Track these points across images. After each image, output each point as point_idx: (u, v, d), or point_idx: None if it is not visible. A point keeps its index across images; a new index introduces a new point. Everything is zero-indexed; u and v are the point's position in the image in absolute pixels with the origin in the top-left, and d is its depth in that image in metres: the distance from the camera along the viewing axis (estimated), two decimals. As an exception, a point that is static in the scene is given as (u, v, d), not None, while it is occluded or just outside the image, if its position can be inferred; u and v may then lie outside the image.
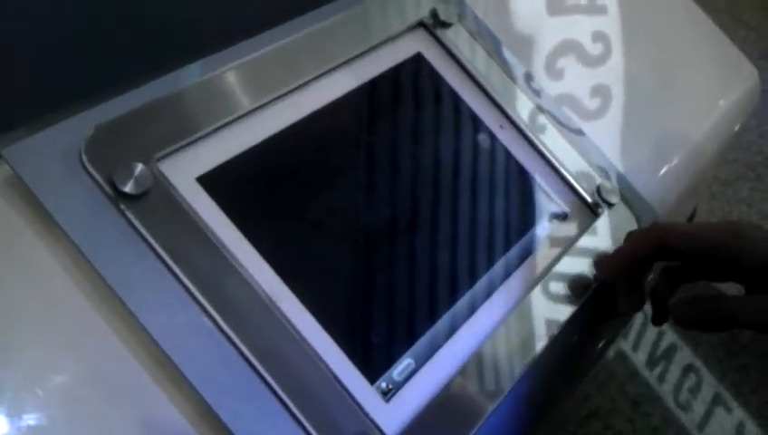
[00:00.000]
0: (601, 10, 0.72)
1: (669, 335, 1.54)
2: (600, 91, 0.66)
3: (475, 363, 0.47)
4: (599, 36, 0.70)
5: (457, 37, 0.57)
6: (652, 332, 1.55)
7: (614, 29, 0.72)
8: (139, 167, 0.41)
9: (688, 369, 1.49)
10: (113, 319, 0.39)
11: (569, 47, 0.67)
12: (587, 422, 1.33)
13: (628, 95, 0.68)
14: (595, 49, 0.69)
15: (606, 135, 0.64)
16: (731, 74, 0.81)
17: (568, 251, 0.54)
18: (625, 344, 1.52)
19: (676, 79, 0.74)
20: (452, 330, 0.47)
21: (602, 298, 0.54)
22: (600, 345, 0.60)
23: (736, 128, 0.79)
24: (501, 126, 0.57)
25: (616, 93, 0.68)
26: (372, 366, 0.43)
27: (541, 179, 0.56)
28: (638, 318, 1.57)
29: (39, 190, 0.39)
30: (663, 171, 0.67)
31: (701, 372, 1.48)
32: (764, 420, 1.42)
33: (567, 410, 1.27)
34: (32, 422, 0.36)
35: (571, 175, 0.57)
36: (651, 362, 1.50)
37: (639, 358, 1.50)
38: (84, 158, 0.40)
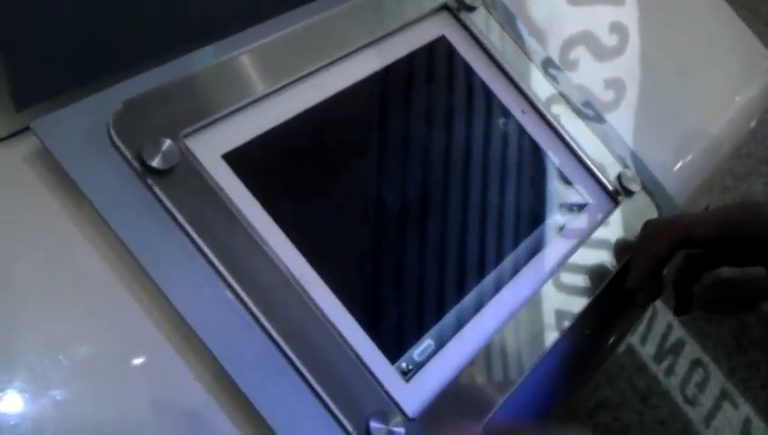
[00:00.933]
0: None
1: (677, 330, 1.54)
2: (618, 82, 0.66)
3: (495, 346, 0.47)
4: (618, 27, 0.70)
5: (481, 21, 0.57)
6: (660, 325, 1.55)
7: (633, 19, 0.72)
8: (167, 142, 0.41)
9: (696, 363, 1.49)
10: (139, 292, 0.39)
11: (589, 37, 0.67)
12: (595, 413, 1.33)
13: (646, 86, 0.68)
14: (613, 39, 0.69)
15: (623, 126, 0.64)
16: (750, 67, 0.80)
17: (587, 239, 0.54)
18: (633, 338, 1.52)
19: (695, 71, 0.74)
20: (472, 313, 0.47)
21: (619, 288, 0.54)
22: (615, 334, 0.60)
23: (753, 123, 0.79)
24: (523, 111, 0.57)
25: (634, 84, 0.68)
26: (393, 346, 0.44)
27: (562, 165, 0.56)
28: (647, 311, 1.57)
29: (67, 164, 0.40)
30: (679, 165, 0.67)
31: (709, 368, 1.48)
32: (773, 416, 1.42)
33: (577, 398, 1.28)
34: (55, 392, 0.36)
35: (591, 162, 0.57)
36: (659, 356, 1.50)
37: (647, 351, 1.50)
38: (112, 132, 0.41)
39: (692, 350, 1.51)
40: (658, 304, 1.58)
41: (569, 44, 0.64)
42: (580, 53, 0.65)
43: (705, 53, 0.76)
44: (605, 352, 0.58)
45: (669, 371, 1.48)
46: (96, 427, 0.36)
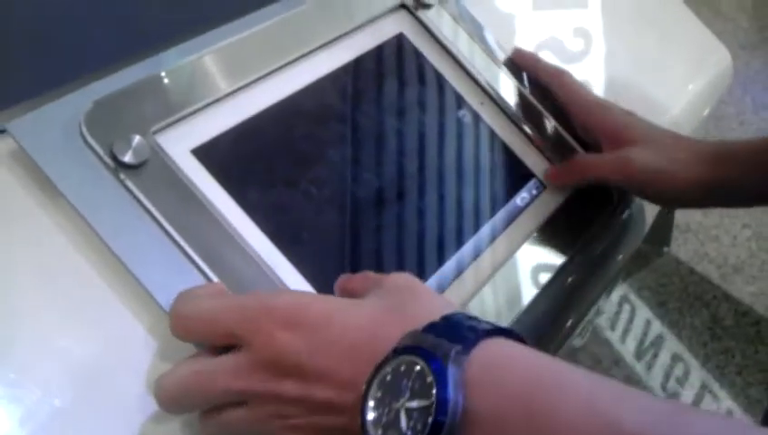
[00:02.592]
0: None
1: (656, 325, 1.57)
2: (577, 72, 0.69)
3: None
4: (580, 30, 0.73)
5: (439, 18, 0.60)
6: (639, 322, 1.58)
7: (593, 18, 0.75)
8: (137, 138, 0.43)
9: (677, 359, 1.51)
10: (116, 283, 0.41)
11: (548, 31, 0.70)
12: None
13: (605, 75, 0.71)
14: (576, 42, 0.72)
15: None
16: (703, 58, 0.84)
17: (546, 217, 0.57)
18: (612, 335, 1.54)
19: (650, 63, 0.77)
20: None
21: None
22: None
23: (706, 112, 0.82)
24: (482, 103, 0.59)
25: (595, 76, 0.71)
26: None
27: (520, 152, 0.59)
28: (625, 309, 1.60)
29: (43, 162, 0.41)
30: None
31: (689, 363, 1.51)
32: (751, 401, 1.45)
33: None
34: (36, 387, 0.38)
35: (547, 149, 0.60)
36: (639, 353, 1.53)
37: (628, 348, 1.53)
38: (84, 131, 0.43)
39: (672, 344, 1.54)
40: (635, 299, 1.61)
41: (524, 41, 0.67)
42: (537, 46, 0.68)
43: (663, 48, 0.79)
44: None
45: (650, 366, 1.51)
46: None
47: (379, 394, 0.32)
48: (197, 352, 0.39)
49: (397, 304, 0.37)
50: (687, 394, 1.46)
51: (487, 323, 0.34)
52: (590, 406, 0.29)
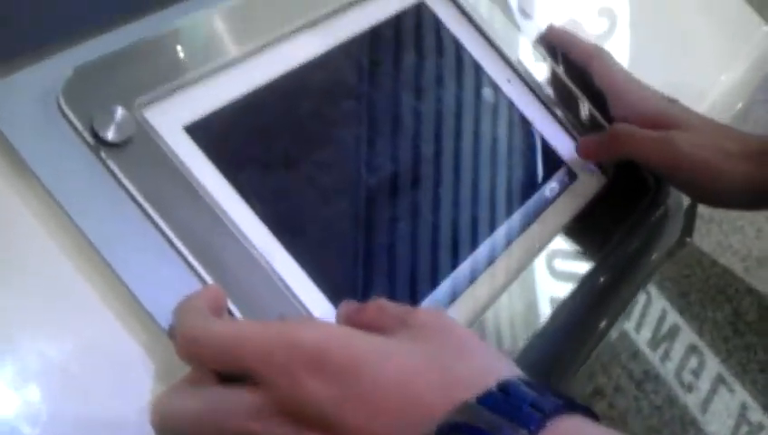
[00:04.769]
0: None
1: (672, 315, 1.53)
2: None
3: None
4: (605, 10, 0.67)
5: (463, -14, 0.54)
6: (655, 311, 1.53)
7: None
8: (120, 111, 0.38)
9: (692, 349, 1.47)
10: (92, 274, 0.36)
11: (567, 8, 0.64)
12: (591, 400, 1.31)
13: (636, 57, 0.65)
14: (600, 23, 0.66)
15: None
16: (741, 39, 0.78)
17: (577, 211, 0.51)
18: (628, 324, 1.50)
19: (680, 46, 0.71)
20: (453, 297, 0.44)
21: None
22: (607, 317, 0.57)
23: (740, 103, 0.76)
24: (509, 80, 0.54)
25: (624, 56, 0.65)
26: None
27: (549, 136, 0.54)
28: (641, 298, 1.56)
29: (13, 136, 0.37)
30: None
31: (704, 353, 1.46)
32: (771, 399, 1.40)
33: (572, 385, 1.25)
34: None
35: (581, 133, 0.54)
36: (654, 342, 1.49)
37: (643, 337, 1.49)
38: (62, 102, 0.38)
39: (687, 335, 1.50)
40: (653, 290, 1.56)
41: (553, 14, 0.61)
42: (565, 22, 0.62)
43: (696, 29, 0.73)
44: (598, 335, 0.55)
45: (665, 356, 1.46)
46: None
47: None
48: (199, 376, 0.34)
49: (434, 353, 0.31)
50: (703, 386, 1.42)
51: (553, 395, 0.29)
52: None
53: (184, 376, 0.34)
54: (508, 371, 0.31)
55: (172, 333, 0.35)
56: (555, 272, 0.49)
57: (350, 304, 0.39)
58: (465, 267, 0.46)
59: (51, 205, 0.36)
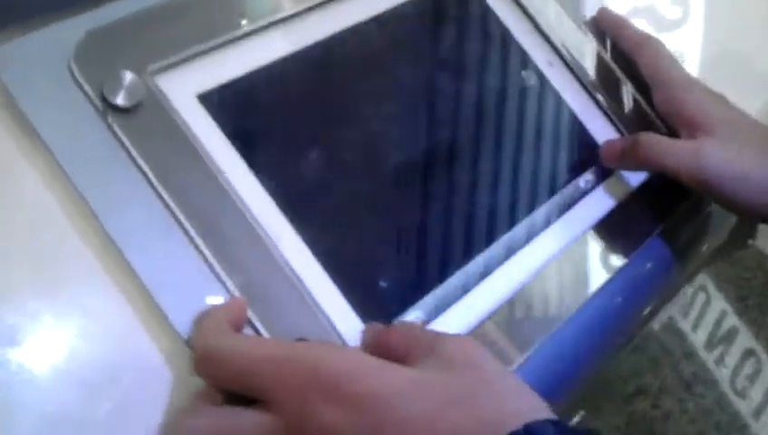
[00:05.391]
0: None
1: (731, 317, 1.47)
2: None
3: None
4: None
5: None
6: (714, 312, 1.48)
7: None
8: (129, 76, 0.37)
9: (749, 354, 1.42)
10: (94, 243, 0.35)
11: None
12: (634, 399, 1.27)
13: (699, 53, 0.61)
14: (673, 10, 0.62)
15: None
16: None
17: (611, 207, 0.48)
18: (684, 323, 1.45)
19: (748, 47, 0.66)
20: (465, 289, 0.42)
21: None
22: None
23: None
24: (550, 63, 0.51)
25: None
26: (375, 316, 0.39)
27: (590, 124, 0.50)
28: (700, 298, 1.50)
29: (22, 98, 0.36)
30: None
31: (762, 359, 1.41)
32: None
33: (612, 381, 1.22)
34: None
35: (625, 123, 0.51)
36: (710, 344, 1.44)
37: (699, 338, 1.44)
38: (73, 65, 0.37)
39: (745, 339, 1.44)
40: (712, 290, 1.51)
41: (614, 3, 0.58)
42: (628, 12, 0.58)
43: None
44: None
45: (720, 360, 1.41)
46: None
47: None
48: (213, 393, 0.33)
49: (461, 389, 0.30)
50: (756, 392, 1.37)
51: None
52: None
53: (196, 393, 0.34)
54: (537, 411, 0.30)
55: (190, 344, 0.34)
56: (593, 260, 0.46)
57: (375, 327, 0.38)
58: (494, 249, 0.44)
59: (54, 168, 0.35)
